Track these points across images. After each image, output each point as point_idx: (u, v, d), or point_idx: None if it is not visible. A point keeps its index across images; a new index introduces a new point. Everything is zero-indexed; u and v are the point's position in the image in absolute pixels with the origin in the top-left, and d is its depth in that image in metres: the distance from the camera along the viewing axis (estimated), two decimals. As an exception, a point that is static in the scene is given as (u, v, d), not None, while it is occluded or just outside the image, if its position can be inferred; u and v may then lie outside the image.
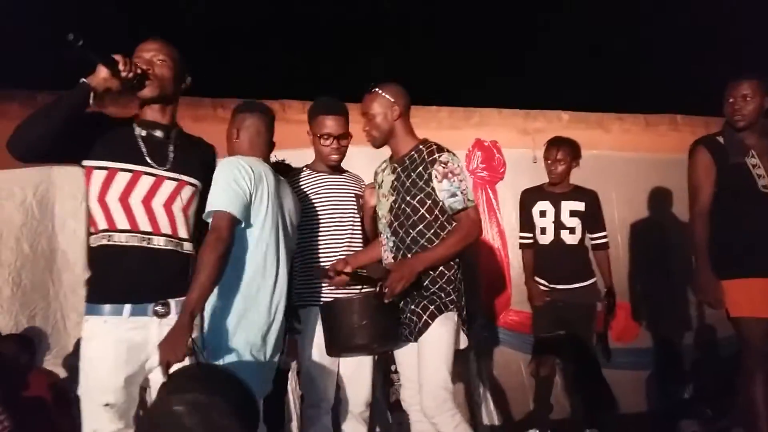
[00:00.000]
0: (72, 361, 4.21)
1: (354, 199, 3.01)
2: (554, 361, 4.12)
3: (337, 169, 3.04)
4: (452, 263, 2.68)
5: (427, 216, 2.66)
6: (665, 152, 5.41)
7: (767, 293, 3.07)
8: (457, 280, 2.70)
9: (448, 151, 2.67)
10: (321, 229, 2.94)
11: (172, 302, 2.12)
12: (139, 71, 2.08)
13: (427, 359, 2.61)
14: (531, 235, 4.16)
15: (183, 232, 2.19)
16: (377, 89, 2.73)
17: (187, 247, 2.20)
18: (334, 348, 2.67)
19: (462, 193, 2.60)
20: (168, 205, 2.15)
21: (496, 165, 5.05)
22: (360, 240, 3.00)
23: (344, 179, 3.05)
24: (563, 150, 4.08)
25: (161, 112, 2.21)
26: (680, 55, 6.53)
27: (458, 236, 2.63)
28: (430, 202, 2.65)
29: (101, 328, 2.06)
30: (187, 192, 2.21)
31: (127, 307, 2.06)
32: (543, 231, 4.11)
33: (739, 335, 3.18)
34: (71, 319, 4.31)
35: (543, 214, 4.12)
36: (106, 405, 2.01)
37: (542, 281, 4.09)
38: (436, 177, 2.61)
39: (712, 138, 3.28)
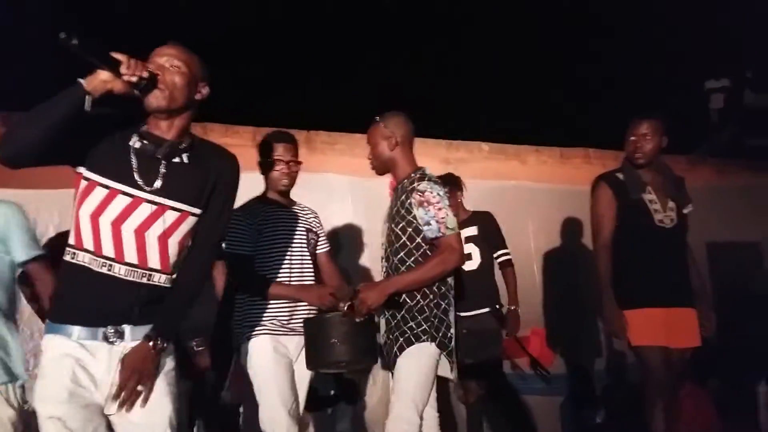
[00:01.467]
0: None
1: (304, 232, 3.06)
2: (476, 387, 4.16)
3: (288, 200, 3.11)
4: (429, 293, 2.67)
5: (408, 243, 2.71)
6: (579, 184, 5.59)
7: (665, 323, 3.23)
8: (436, 309, 2.67)
9: (429, 179, 2.73)
10: (272, 261, 2.99)
11: (127, 328, 1.91)
12: (146, 74, 1.85)
13: (396, 390, 2.65)
14: None
15: (154, 262, 1.93)
16: (378, 119, 2.88)
17: (159, 278, 1.95)
18: (312, 363, 2.79)
19: (437, 221, 2.63)
20: (140, 231, 1.91)
21: (418, 194, 5.07)
22: (311, 273, 3.06)
23: (294, 211, 3.12)
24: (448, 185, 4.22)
25: (167, 125, 1.96)
26: (593, 90, 6.85)
27: (432, 262, 2.65)
28: (411, 229, 2.70)
29: (50, 343, 1.92)
30: (170, 218, 1.94)
31: (77, 329, 1.89)
32: None
33: (639, 363, 3.33)
34: None
35: None
36: (50, 417, 1.85)
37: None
38: (413, 205, 2.68)
39: (612, 174, 3.47)
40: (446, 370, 2.71)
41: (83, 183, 1.92)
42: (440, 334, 2.67)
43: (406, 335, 2.66)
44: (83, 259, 1.90)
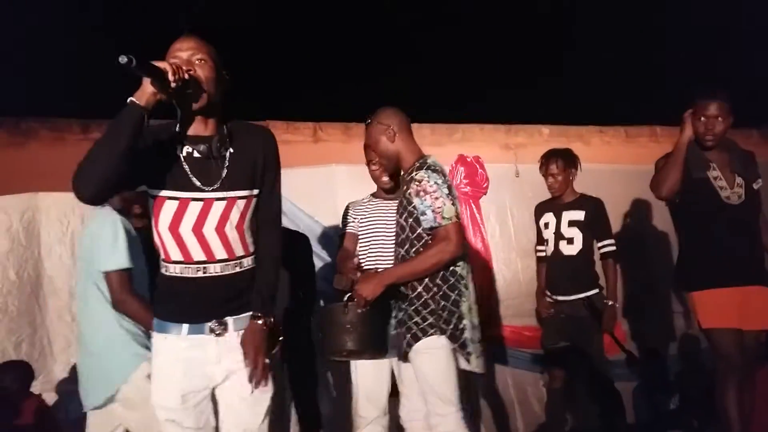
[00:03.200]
0: (63, 386, 4.21)
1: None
2: (564, 373, 4.11)
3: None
4: (433, 285, 2.64)
5: (410, 234, 2.70)
6: (645, 163, 5.43)
7: (735, 303, 3.12)
8: (444, 301, 2.62)
9: (428, 168, 2.66)
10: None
11: (230, 320, 2.06)
12: (186, 77, 1.89)
13: (424, 391, 2.64)
14: (542, 247, 4.23)
15: (240, 250, 2.07)
16: (368, 120, 2.85)
17: (247, 262, 2.09)
18: (322, 351, 2.85)
19: (434, 211, 2.59)
20: (220, 229, 2.02)
21: (479, 180, 5.09)
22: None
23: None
24: (556, 163, 4.13)
25: (204, 123, 2.04)
26: (659, 66, 6.63)
27: (429, 252, 2.62)
28: (411, 220, 2.68)
29: (162, 344, 2.09)
30: (239, 207, 2.05)
31: (185, 326, 2.05)
32: (547, 242, 4.17)
33: (711, 346, 3.24)
34: (58, 344, 4.31)
35: (546, 225, 4.18)
36: (168, 420, 2.06)
37: (548, 293, 4.15)
38: (412, 195, 2.66)
39: None
40: (465, 363, 2.65)
41: (151, 201, 2.04)
42: (451, 326, 2.61)
43: (413, 331, 2.64)
44: (175, 270, 2.04)
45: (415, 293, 2.66)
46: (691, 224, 3.29)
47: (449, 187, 2.65)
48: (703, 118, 3.22)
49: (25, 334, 4.27)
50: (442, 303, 2.62)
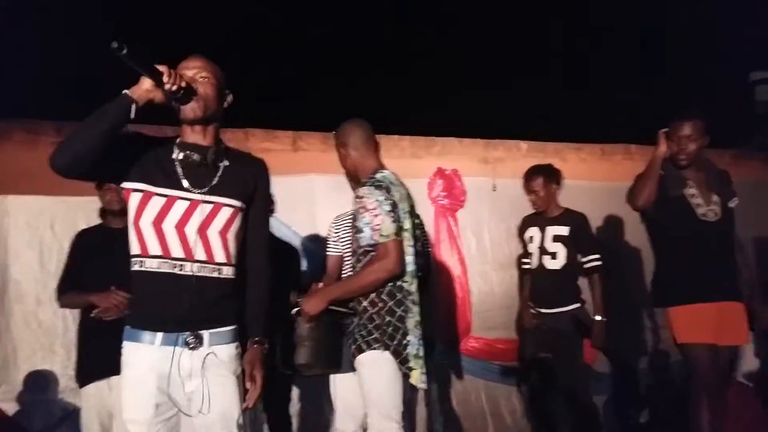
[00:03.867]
0: (25, 396, 4.09)
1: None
2: (541, 383, 4.17)
3: None
4: (378, 301, 2.65)
5: (357, 249, 2.73)
6: (620, 180, 5.52)
7: (711, 319, 3.18)
8: (389, 317, 2.63)
9: (372, 184, 2.67)
10: None
11: (205, 334, 2.06)
12: (184, 84, 1.98)
13: (366, 403, 2.68)
14: (527, 260, 4.29)
15: (220, 257, 2.09)
16: (334, 133, 2.90)
17: (227, 272, 2.11)
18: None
19: (372, 228, 2.59)
20: (203, 230, 2.06)
21: (456, 193, 5.12)
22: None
23: None
24: (537, 179, 4.20)
25: (202, 133, 2.12)
26: (634, 85, 6.74)
27: (367, 270, 2.63)
28: (357, 235, 2.70)
29: (134, 355, 2.06)
30: (224, 214, 2.10)
31: (159, 335, 2.04)
32: (531, 256, 4.24)
33: (686, 361, 3.27)
34: (22, 352, 4.18)
35: (531, 239, 4.25)
36: None
37: (531, 304, 4.21)
38: (356, 212, 2.68)
39: None
40: (416, 381, 2.64)
41: (136, 195, 2.05)
42: (394, 342, 2.62)
43: (358, 342, 2.66)
44: (152, 265, 2.04)
45: (362, 307, 2.68)
46: (667, 240, 3.34)
47: (393, 204, 2.62)
48: (676, 138, 3.29)
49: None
50: (387, 318, 2.63)
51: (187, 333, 2.03)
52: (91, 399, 3.14)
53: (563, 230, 4.14)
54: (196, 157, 2.07)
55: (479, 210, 5.18)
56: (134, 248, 2.07)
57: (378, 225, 2.57)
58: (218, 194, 2.10)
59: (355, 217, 2.71)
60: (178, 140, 2.13)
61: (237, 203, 2.13)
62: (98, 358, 2.93)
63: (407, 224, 2.69)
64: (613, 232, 5.48)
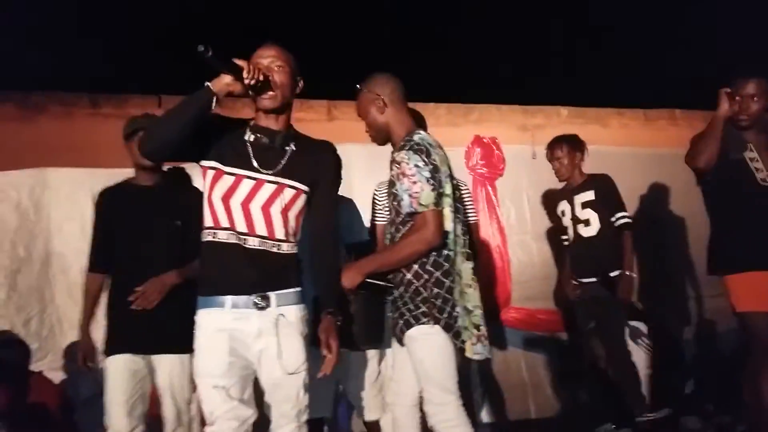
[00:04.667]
0: (72, 365, 4.17)
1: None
2: (601, 352, 4.07)
3: None
4: (423, 272, 2.47)
5: (396, 218, 2.54)
6: (664, 147, 5.41)
7: None
8: (437, 288, 2.46)
9: (410, 148, 2.44)
10: None
11: (272, 295, 2.20)
12: (261, 77, 2.12)
13: (420, 378, 2.53)
14: (565, 236, 4.22)
15: (280, 233, 2.23)
16: (359, 87, 2.63)
17: (286, 248, 2.24)
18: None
19: (410, 196, 2.41)
20: (266, 208, 2.21)
21: (495, 161, 5.03)
22: None
23: None
24: (559, 148, 4.13)
25: (275, 119, 2.26)
26: (679, 49, 6.50)
27: (405, 241, 2.46)
28: (395, 203, 2.52)
29: (205, 319, 2.21)
30: (287, 195, 2.24)
31: (228, 299, 2.18)
32: (567, 230, 4.17)
33: (745, 330, 3.16)
34: (67, 322, 4.25)
35: (563, 213, 4.17)
36: (215, 387, 2.16)
37: (573, 276, 4.15)
38: (393, 177, 2.49)
39: None
40: (470, 351, 2.49)
41: (210, 173, 2.23)
42: (444, 315, 2.45)
43: (405, 317, 2.49)
44: (222, 236, 2.20)
45: (406, 280, 2.50)
46: (725, 206, 3.20)
47: (434, 170, 2.42)
48: (738, 97, 3.13)
49: (34, 311, 4.22)
50: (436, 290, 2.46)
51: (254, 294, 2.17)
52: (114, 370, 2.96)
53: (589, 195, 4.05)
54: (265, 140, 2.23)
55: (518, 178, 5.10)
56: (207, 221, 2.24)
57: (417, 193, 2.39)
58: (283, 176, 2.23)
59: (392, 183, 2.52)
60: (251, 123, 2.28)
61: (300, 186, 2.26)
62: (124, 332, 2.93)
63: (448, 189, 2.49)
64: (656, 201, 5.34)
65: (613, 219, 4.04)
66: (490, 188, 5.00)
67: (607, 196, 4.05)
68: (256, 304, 2.17)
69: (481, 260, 4.85)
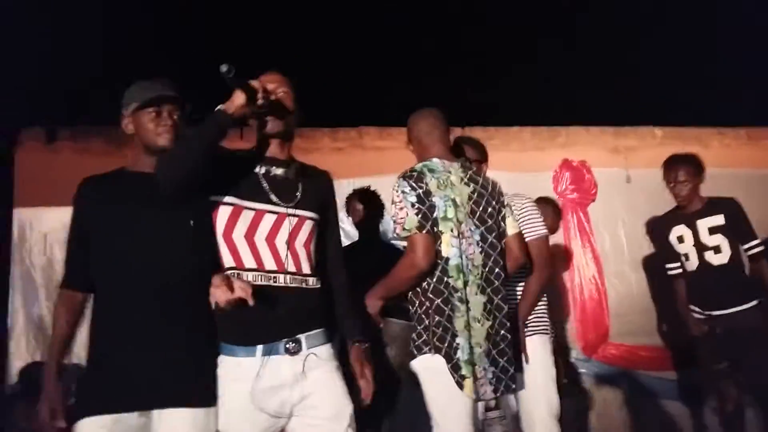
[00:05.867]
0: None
1: None
2: (737, 393, 3.68)
3: None
4: (425, 299, 2.43)
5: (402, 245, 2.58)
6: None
7: None
8: (438, 316, 2.38)
9: (403, 176, 2.49)
10: None
11: (302, 337, 2.09)
12: (272, 98, 2.09)
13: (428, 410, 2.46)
14: (677, 264, 3.83)
15: (306, 268, 2.15)
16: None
17: (312, 282, 2.17)
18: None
19: (396, 221, 2.46)
20: (291, 242, 2.13)
21: (586, 186, 4.77)
22: None
23: None
24: (683, 169, 3.78)
25: (280, 147, 2.21)
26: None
27: (398, 265, 2.46)
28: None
29: (236, 371, 2.04)
30: (307, 227, 2.19)
31: (259, 347, 2.04)
32: (686, 257, 3.77)
33: None
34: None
35: (681, 239, 3.79)
36: None
37: (696, 309, 3.75)
38: None
39: None
40: (469, 390, 2.34)
41: (226, 209, 2.10)
42: (445, 344, 2.36)
43: (410, 347, 2.48)
44: (248, 277, 2.06)
45: (413, 309, 2.50)
46: None
47: (422, 194, 2.42)
48: None
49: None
50: (437, 318, 2.39)
51: (285, 339, 2.06)
52: None
53: (718, 220, 3.70)
54: (280, 171, 2.18)
55: (612, 204, 4.83)
56: (227, 260, 2.09)
57: (402, 218, 2.43)
58: (302, 208, 2.18)
59: None
60: (256, 154, 2.20)
61: (316, 216, 2.23)
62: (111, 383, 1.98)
63: (450, 213, 2.44)
64: (763, 224, 4.92)
65: (746, 246, 3.70)
66: (582, 214, 4.74)
67: (738, 222, 3.72)
68: (287, 350, 2.05)
69: (575, 292, 4.61)
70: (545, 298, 3.00)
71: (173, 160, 1.97)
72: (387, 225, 4.08)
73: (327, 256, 2.29)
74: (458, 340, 2.37)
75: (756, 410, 3.83)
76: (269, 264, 2.09)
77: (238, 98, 1.98)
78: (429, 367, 2.39)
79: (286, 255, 2.11)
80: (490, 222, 2.55)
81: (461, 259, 2.43)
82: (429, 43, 5.72)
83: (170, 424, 1.94)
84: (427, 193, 2.43)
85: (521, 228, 2.79)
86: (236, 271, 2.07)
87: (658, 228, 3.97)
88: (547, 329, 2.97)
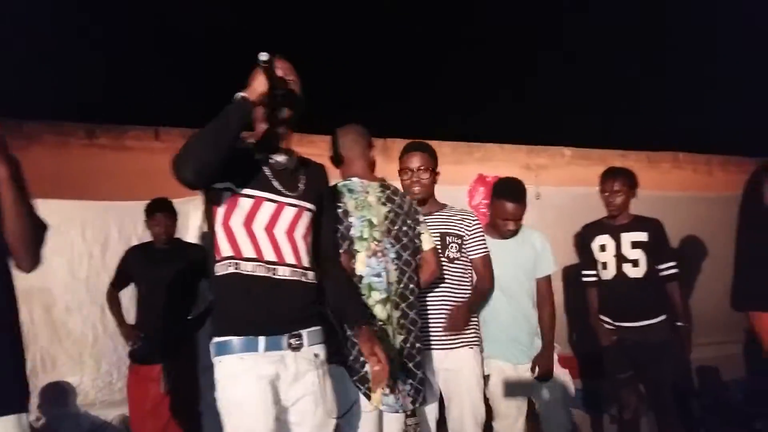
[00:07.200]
0: (51, 408, 3.96)
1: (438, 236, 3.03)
2: (637, 402, 3.83)
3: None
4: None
5: None
6: (668, 189, 5.37)
7: None
8: (353, 341, 2.39)
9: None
10: None
11: (304, 333, 2.04)
12: (289, 88, 2.05)
13: None
14: (593, 272, 3.95)
15: (305, 261, 2.08)
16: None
17: (311, 276, 2.10)
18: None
19: None
20: (290, 233, 2.05)
21: (498, 201, 4.90)
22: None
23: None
24: (620, 180, 3.91)
25: (283, 138, 2.15)
26: (683, 92, 6.50)
27: None
28: None
29: (238, 366, 1.94)
30: (306, 219, 2.12)
31: (261, 339, 1.95)
32: (604, 266, 3.89)
33: None
34: (50, 362, 4.05)
35: (603, 248, 3.91)
36: None
37: (607, 319, 3.88)
38: None
39: None
40: (377, 401, 2.41)
41: (224, 195, 2.01)
42: (351, 357, 2.44)
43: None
44: (247, 268, 1.98)
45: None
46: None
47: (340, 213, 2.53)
48: None
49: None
50: (347, 332, 2.43)
51: (288, 334, 1.99)
52: None
53: (641, 236, 3.84)
54: (282, 159, 2.10)
55: (523, 219, 4.96)
56: (225, 250, 2.00)
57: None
58: (305, 199, 2.12)
59: None
60: (257, 142, 2.13)
61: (313, 207, 2.16)
62: None
63: (366, 233, 2.52)
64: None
65: (661, 267, 3.85)
66: (493, 229, 4.87)
67: (660, 242, 3.87)
68: (290, 345, 1.98)
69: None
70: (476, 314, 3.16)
71: (191, 154, 1.85)
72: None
73: (322, 246, 2.23)
74: (354, 351, 2.42)
75: (650, 419, 4.02)
76: (269, 254, 2.00)
77: (262, 85, 1.92)
78: (333, 376, 2.37)
79: (286, 246, 2.03)
80: (404, 240, 2.64)
81: (374, 277, 2.51)
82: (353, 52, 5.79)
83: None
84: (345, 213, 2.51)
85: (471, 245, 3.08)
86: (235, 261, 1.98)
87: (584, 234, 4.07)
88: (478, 341, 3.13)
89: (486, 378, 3.30)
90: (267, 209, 2.03)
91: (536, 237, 3.54)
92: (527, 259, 3.46)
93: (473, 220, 3.19)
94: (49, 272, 4.10)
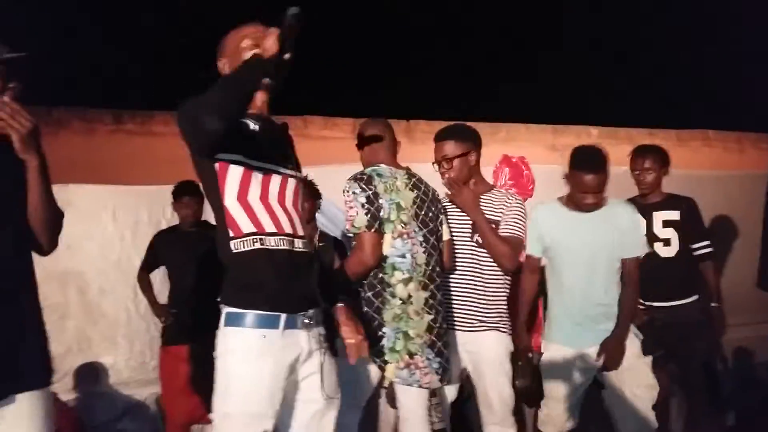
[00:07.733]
0: (86, 388, 4.07)
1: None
2: (666, 382, 3.71)
3: None
4: (362, 292, 2.65)
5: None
6: (697, 168, 5.28)
7: None
8: (367, 307, 2.63)
9: (352, 178, 2.67)
10: None
11: (313, 312, 1.99)
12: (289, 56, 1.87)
13: None
14: None
15: (305, 233, 2.04)
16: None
17: (309, 247, 2.04)
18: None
19: (346, 219, 2.66)
20: (295, 206, 2.01)
21: (525, 182, 4.81)
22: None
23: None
24: (650, 158, 3.80)
25: (262, 102, 2.00)
26: (710, 71, 6.36)
27: (348, 260, 2.72)
28: None
29: (256, 344, 1.85)
30: (301, 190, 2.08)
31: (282, 318, 1.88)
32: None
33: None
34: (84, 342, 4.17)
35: None
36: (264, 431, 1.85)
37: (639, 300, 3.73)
38: None
39: None
40: (390, 372, 2.59)
41: (237, 169, 1.89)
42: (370, 332, 2.49)
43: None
44: (272, 243, 1.90)
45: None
46: None
47: (372, 196, 2.61)
48: None
49: (50, 330, 4.12)
50: (366, 309, 2.64)
51: (302, 313, 1.94)
52: None
53: (673, 215, 3.74)
54: (267, 129, 1.99)
55: (549, 200, 4.94)
56: (245, 226, 1.89)
57: (351, 216, 2.61)
58: (295, 169, 2.06)
59: None
60: (252, 114, 1.99)
61: (301, 176, 2.12)
62: None
63: (393, 215, 2.64)
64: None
65: (694, 246, 3.76)
66: (519, 209, 4.85)
67: (693, 221, 3.76)
68: (305, 324, 1.92)
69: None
70: (505, 297, 3.11)
71: (216, 107, 1.70)
72: (327, 214, 4.15)
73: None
74: (384, 329, 2.60)
75: (679, 399, 3.98)
76: (287, 227, 1.94)
77: (274, 46, 1.73)
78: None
79: (296, 219, 1.98)
80: (431, 225, 2.78)
81: (398, 257, 2.63)
82: (376, 36, 5.77)
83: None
84: (376, 195, 2.62)
85: (502, 227, 3.05)
86: (259, 237, 1.88)
87: None
88: (505, 324, 3.06)
89: (539, 356, 3.23)
90: (276, 182, 1.96)
91: (624, 213, 3.17)
92: (609, 237, 3.10)
93: (512, 204, 3.19)
94: (82, 256, 4.22)
